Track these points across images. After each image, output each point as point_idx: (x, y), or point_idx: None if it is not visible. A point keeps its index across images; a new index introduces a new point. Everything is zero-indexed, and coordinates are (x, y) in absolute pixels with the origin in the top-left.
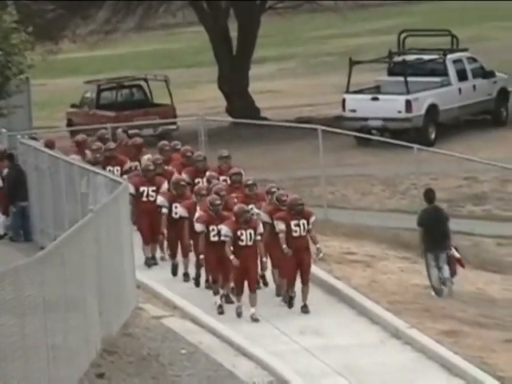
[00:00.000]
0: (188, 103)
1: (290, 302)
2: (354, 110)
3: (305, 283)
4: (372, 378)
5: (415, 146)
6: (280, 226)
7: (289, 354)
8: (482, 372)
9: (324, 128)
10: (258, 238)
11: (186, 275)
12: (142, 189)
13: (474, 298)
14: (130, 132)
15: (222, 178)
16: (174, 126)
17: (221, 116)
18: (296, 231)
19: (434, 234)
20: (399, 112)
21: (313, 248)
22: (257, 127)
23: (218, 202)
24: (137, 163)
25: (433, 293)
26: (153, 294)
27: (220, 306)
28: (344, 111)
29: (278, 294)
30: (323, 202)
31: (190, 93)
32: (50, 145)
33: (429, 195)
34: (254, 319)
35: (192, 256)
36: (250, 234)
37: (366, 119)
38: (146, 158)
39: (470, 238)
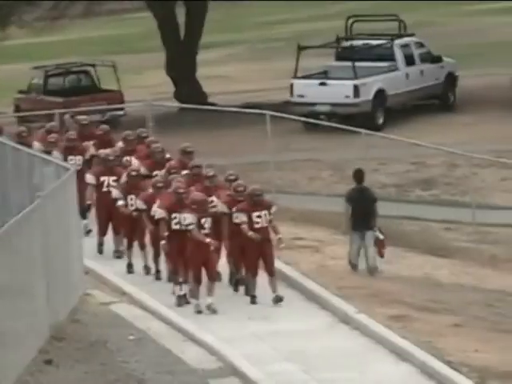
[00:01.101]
0: (136, 89)
1: (236, 285)
2: (301, 95)
3: (271, 274)
4: (321, 363)
5: (363, 130)
6: (241, 217)
7: (237, 339)
8: (431, 356)
9: (272, 113)
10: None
11: (146, 267)
12: (102, 179)
13: (423, 283)
14: (78, 117)
15: (183, 171)
16: (121, 112)
17: (169, 102)
18: (258, 222)
19: (360, 213)
20: (347, 97)
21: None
22: (205, 113)
23: (182, 190)
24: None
25: (350, 267)
26: (101, 280)
27: (179, 297)
28: (292, 96)
29: (231, 283)
30: (272, 187)
31: (137, 78)
32: None
33: (358, 175)
34: (212, 309)
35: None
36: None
37: (313, 104)
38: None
39: (417, 222)
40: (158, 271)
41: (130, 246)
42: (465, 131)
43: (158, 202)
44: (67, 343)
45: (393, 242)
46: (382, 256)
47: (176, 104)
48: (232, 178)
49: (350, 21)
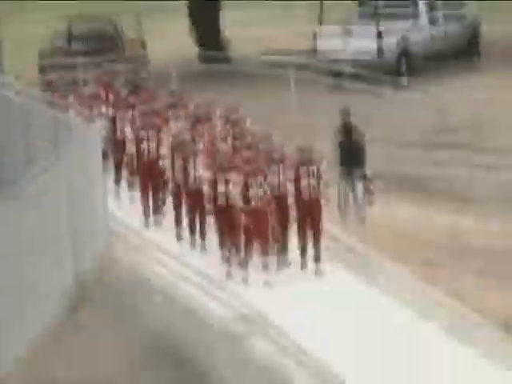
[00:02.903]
0: (160, 50)
1: None
2: (325, 52)
3: (318, 237)
4: (342, 312)
5: (387, 89)
6: (289, 174)
7: (263, 287)
8: (454, 304)
9: (297, 74)
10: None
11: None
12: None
13: (447, 230)
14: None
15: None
16: (145, 72)
17: (193, 63)
18: (305, 180)
19: (348, 151)
20: (371, 56)
21: None
22: (228, 74)
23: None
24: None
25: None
26: (126, 238)
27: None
28: (316, 53)
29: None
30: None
31: (161, 39)
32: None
33: (344, 114)
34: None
35: None
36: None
37: (337, 61)
38: None
39: (441, 169)
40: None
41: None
42: (487, 88)
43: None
44: (93, 302)
45: (418, 191)
46: (371, 204)
47: (199, 65)
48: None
49: None
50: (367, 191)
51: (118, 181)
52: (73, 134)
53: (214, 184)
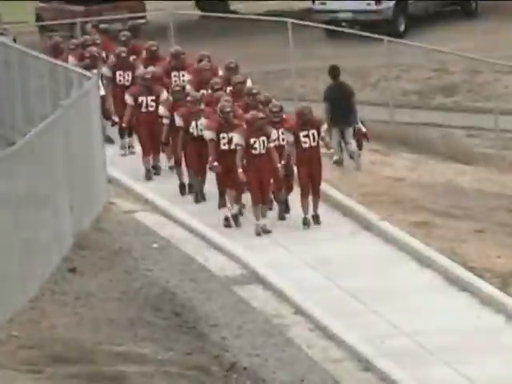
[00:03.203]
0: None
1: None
2: (323, 3)
3: (317, 194)
4: (344, 269)
5: (385, 38)
6: (288, 137)
7: (260, 247)
8: (454, 262)
9: (293, 21)
10: (271, 145)
11: (182, 185)
12: (140, 99)
13: (445, 190)
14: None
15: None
16: (143, 21)
17: (190, 10)
18: (306, 142)
19: (339, 109)
20: (369, 4)
21: None
22: (226, 21)
23: (228, 109)
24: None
25: (333, 162)
26: (124, 188)
27: (227, 219)
28: (314, 4)
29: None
30: (293, 95)
31: None
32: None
33: (333, 72)
34: (266, 230)
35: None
36: (263, 142)
37: (335, 11)
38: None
39: (440, 129)
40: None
41: (177, 164)
42: (487, 37)
43: (205, 122)
44: (91, 251)
45: (415, 149)
46: (360, 148)
47: (198, 12)
48: (232, 66)
49: None
50: (359, 134)
51: (122, 135)
52: (71, 84)
53: (217, 143)
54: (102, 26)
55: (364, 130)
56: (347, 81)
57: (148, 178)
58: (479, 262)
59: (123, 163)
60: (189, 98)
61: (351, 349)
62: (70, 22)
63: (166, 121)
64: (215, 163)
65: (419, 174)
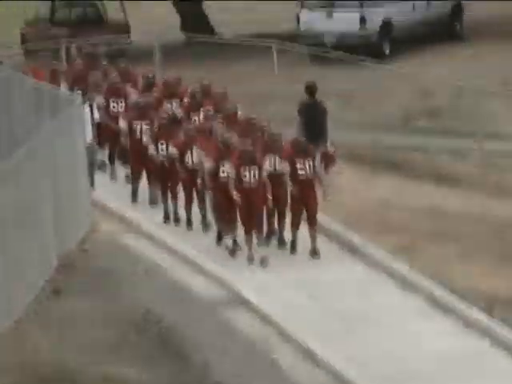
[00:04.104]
0: (142, 20)
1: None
2: (308, 26)
3: (313, 225)
4: (328, 291)
5: (370, 61)
6: (285, 166)
7: (245, 269)
8: (438, 286)
9: (279, 46)
10: (264, 174)
11: (175, 216)
12: (134, 124)
13: (429, 212)
14: (85, 50)
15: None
16: (127, 42)
17: (176, 33)
18: (302, 172)
19: (312, 126)
20: (353, 27)
21: None
22: (211, 44)
23: (228, 135)
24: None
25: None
26: (109, 211)
27: (231, 249)
28: (298, 27)
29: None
30: (278, 118)
31: (144, 10)
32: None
33: (310, 89)
34: (263, 260)
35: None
36: (254, 173)
37: (320, 35)
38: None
39: (424, 152)
40: (189, 220)
41: (164, 194)
42: (471, 61)
43: (204, 152)
44: (75, 273)
45: (399, 172)
46: (326, 172)
47: (183, 35)
48: (254, 121)
49: None
50: (328, 163)
51: (112, 161)
52: (56, 107)
53: (213, 171)
54: (85, 48)
55: (332, 150)
56: (332, 104)
57: (134, 200)
58: (464, 285)
59: (112, 187)
60: (184, 129)
61: (335, 372)
62: (55, 44)
63: (151, 150)
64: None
65: (404, 197)
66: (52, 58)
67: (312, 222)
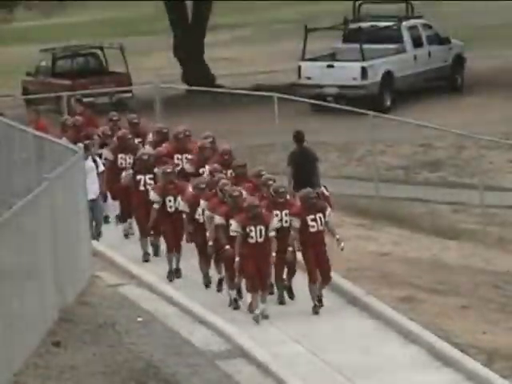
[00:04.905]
0: (143, 71)
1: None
2: (309, 78)
3: (326, 280)
4: (329, 344)
5: (371, 112)
6: (295, 223)
7: (245, 321)
8: (439, 338)
9: (279, 95)
10: (272, 234)
11: (177, 271)
12: (138, 177)
13: (430, 265)
14: (85, 100)
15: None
16: (129, 94)
17: (176, 84)
18: (313, 226)
19: (303, 173)
20: (355, 79)
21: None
22: (212, 95)
23: (237, 193)
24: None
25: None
26: (109, 261)
27: (235, 301)
28: (299, 78)
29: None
30: (279, 169)
31: (145, 61)
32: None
33: (297, 136)
34: (264, 316)
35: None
36: (260, 231)
37: (321, 86)
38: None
39: (425, 204)
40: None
41: (169, 250)
42: (472, 113)
43: (217, 209)
44: (75, 325)
45: (400, 224)
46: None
47: (184, 86)
48: (270, 183)
49: (358, 2)
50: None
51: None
52: (57, 158)
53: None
54: (86, 99)
55: (327, 193)
56: (331, 155)
57: (145, 260)
58: (464, 337)
59: (114, 239)
60: (194, 184)
61: None
62: (56, 96)
63: (156, 206)
64: (227, 246)
65: (404, 249)
66: (53, 110)
67: (326, 278)
